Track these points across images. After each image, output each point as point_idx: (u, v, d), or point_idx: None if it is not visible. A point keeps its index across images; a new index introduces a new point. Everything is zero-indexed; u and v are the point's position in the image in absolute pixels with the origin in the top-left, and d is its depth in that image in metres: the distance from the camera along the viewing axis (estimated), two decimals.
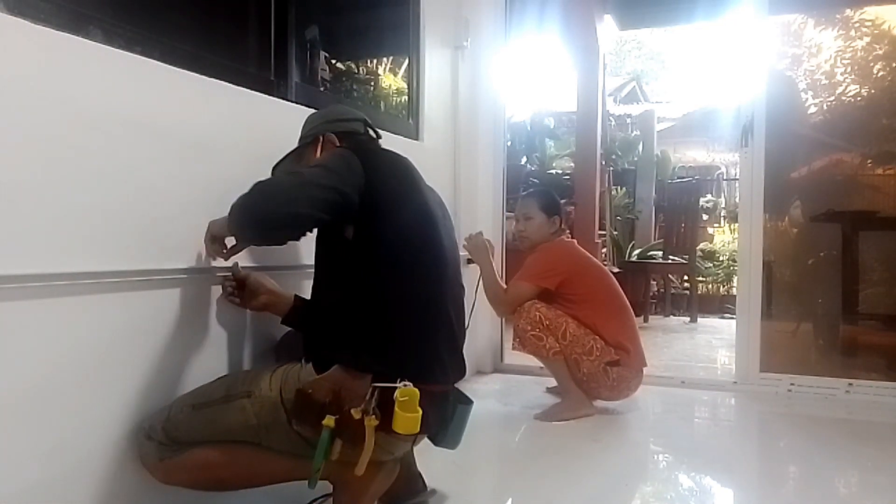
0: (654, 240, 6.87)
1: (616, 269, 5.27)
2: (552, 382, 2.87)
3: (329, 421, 1.29)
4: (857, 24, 4.14)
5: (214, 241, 1.51)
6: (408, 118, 2.96)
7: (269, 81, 1.98)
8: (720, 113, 9.22)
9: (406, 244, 1.42)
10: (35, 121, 1.22)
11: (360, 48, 3.11)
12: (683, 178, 8.01)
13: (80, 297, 1.30)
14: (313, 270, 1.50)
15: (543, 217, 2.77)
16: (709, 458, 2.32)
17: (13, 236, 1.18)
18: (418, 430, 1.30)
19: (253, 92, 1.82)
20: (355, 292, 1.39)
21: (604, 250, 6.29)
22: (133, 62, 1.43)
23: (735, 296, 3.46)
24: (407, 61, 3.04)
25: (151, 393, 1.47)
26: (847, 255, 3.73)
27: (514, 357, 3.03)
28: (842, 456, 2.30)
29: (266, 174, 1.73)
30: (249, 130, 1.78)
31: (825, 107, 4.21)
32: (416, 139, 2.92)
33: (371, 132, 1.70)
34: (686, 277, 6.37)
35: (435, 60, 3.06)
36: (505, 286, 2.74)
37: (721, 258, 7.42)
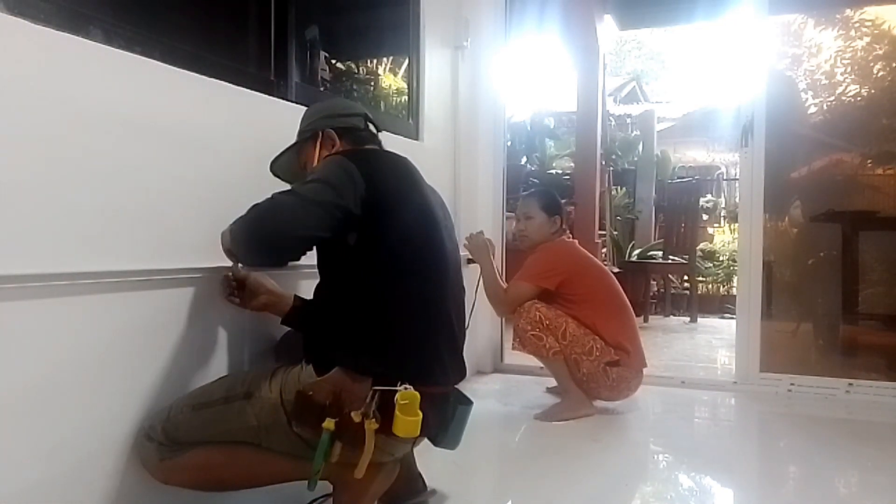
0: (654, 240, 6.87)
1: (616, 269, 5.27)
2: (552, 382, 2.87)
3: (329, 424, 1.28)
4: (857, 24, 4.14)
5: (229, 255, 1.50)
6: (408, 118, 2.96)
7: (269, 81, 1.98)
8: (720, 113, 9.23)
9: (407, 246, 1.42)
10: (35, 121, 1.22)
11: (360, 48, 3.11)
12: (683, 178, 8.00)
13: (80, 297, 1.30)
14: (314, 271, 1.50)
15: (544, 217, 2.77)
16: (709, 458, 2.32)
17: (13, 236, 1.18)
18: (419, 433, 1.30)
19: (253, 92, 1.82)
20: (356, 294, 1.38)
21: (604, 250, 6.29)
22: (133, 62, 1.43)
23: (735, 296, 3.46)
24: (407, 61, 3.04)
25: (151, 393, 1.47)
26: (847, 255, 3.73)
27: (514, 357, 3.03)
28: (842, 456, 2.30)
29: (266, 174, 1.74)
30: (249, 130, 1.77)
31: (825, 107, 4.21)
32: (416, 139, 2.92)
33: (371, 127, 1.69)
34: (686, 277, 6.37)
35: (435, 60, 3.06)
36: (505, 286, 2.74)
37: (721, 258, 7.42)
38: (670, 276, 6.20)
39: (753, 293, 3.13)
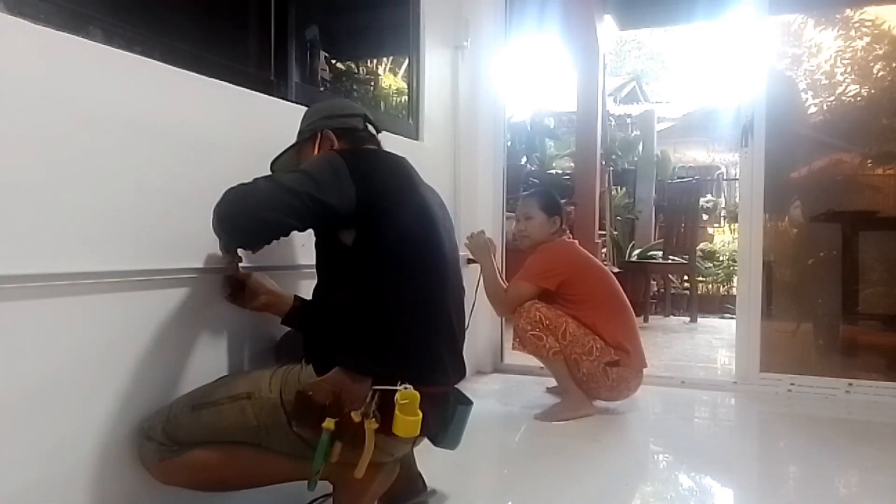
0: (654, 240, 6.87)
1: (616, 269, 5.27)
2: (552, 382, 2.87)
3: (329, 423, 1.28)
4: (857, 24, 4.15)
5: (226, 250, 1.51)
6: (408, 118, 2.96)
7: (269, 81, 1.98)
8: (720, 113, 9.24)
9: (406, 246, 1.42)
10: (35, 121, 1.22)
11: (360, 48, 3.11)
12: (683, 178, 8.00)
13: (80, 297, 1.30)
14: (313, 271, 1.50)
15: (544, 217, 2.77)
16: (709, 458, 2.32)
17: (13, 236, 1.18)
18: (418, 433, 1.30)
19: (253, 92, 1.82)
20: (356, 294, 1.38)
21: (604, 250, 6.29)
22: (133, 62, 1.43)
23: (735, 296, 3.46)
24: (407, 61, 3.04)
25: (151, 393, 1.47)
26: (847, 255, 3.73)
27: (514, 357, 3.03)
28: (842, 456, 2.30)
29: (266, 173, 1.74)
30: (249, 130, 1.77)
31: (825, 107, 4.21)
32: (416, 139, 2.92)
33: (371, 128, 1.69)
34: (686, 277, 6.37)
35: (435, 60, 3.06)
36: (505, 286, 2.74)
37: (721, 258, 7.42)
38: (670, 276, 6.20)
39: (753, 293, 3.13)
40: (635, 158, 7.83)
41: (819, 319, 3.97)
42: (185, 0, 1.86)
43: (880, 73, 4.13)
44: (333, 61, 2.64)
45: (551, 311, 2.59)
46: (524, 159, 7.21)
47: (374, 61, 3.37)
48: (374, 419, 1.28)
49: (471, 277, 2.58)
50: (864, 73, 4.13)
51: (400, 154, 1.61)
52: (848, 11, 4.16)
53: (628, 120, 9.61)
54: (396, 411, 1.27)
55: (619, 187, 7.46)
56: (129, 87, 1.42)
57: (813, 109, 4.23)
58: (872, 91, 4.11)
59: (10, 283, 1.16)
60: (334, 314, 1.40)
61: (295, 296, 1.70)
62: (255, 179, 1.38)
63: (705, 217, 7.98)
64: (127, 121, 1.41)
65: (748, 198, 3.16)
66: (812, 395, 3.03)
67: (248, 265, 1.70)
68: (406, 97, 3.04)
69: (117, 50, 1.40)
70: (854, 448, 2.37)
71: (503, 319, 3.44)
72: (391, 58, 3.39)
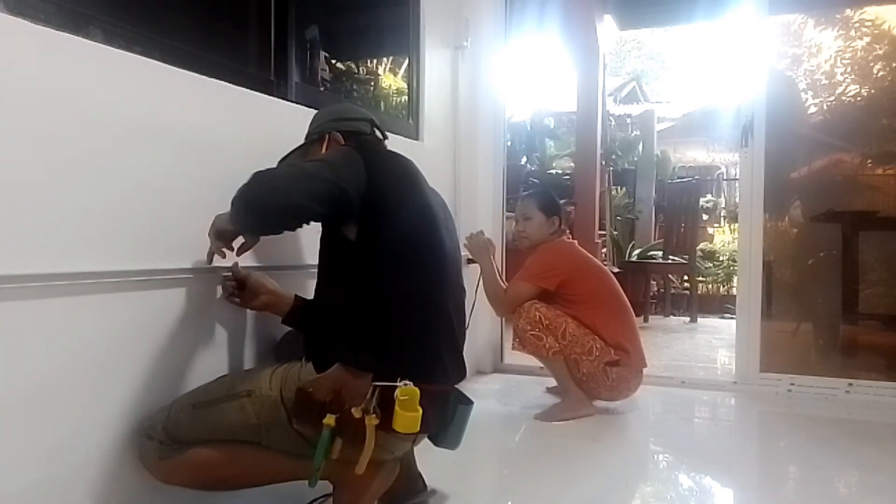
0: (654, 240, 6.87)
1: (616, 269, 5.27)
2: (552, 382, 2.87)
3: (330, 420, 1.29)
4: (857, 24, 4.15)
5: (220, 236, 1.47)
6: (408, 118, 2.96)
7: (269, 81, 1.98)
8: (720, 113, 9.23)
9: (408, 244, 1.42)
10: (35, 121, 1.22)
11: (360, 48, 3.11)
12: (683, 178, 8.00)
13: (80, 297, 1.30)
14: (315, 270, 1.50)
15: (542, 217, 2.77)
16: (709, 458, 2.32)
17: (13, 236, 1.18)
18: (418, 429, 1.30)
19: (253, 92, 1.82)
20: (357, 292, 1.38)
21: (604, 250, 6.29)
22: (133, 62, 1.43)
23: (735, 296, 3.46)
24: (407, 61, 3.04)
25: (152, 393, 1.47)
26: (847, 255, 3.73)
27: (514, 357, 3.03)
28: (842, 456, 2.30)
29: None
30: (249, 130, 1.78)
31: (825, 107, 4.21)
32: (416, 139, 2.92)
33: (377, 133, 1.71)
34: (686, 277, 6.37)
35: (435, 60, 3.06)
36: (505, 286, 2.74)
37: (721, 258, 7.41)
38: (670, 276, 6.20)
39: (753, 293, 3.13)
40: (635, 158, 7.83)
41: (819, 319, 3.97)
42: (185, 0, 1.86)
43: (880, 73, 4.13)
44: (333, 61, 2.64)
45: (551, 311, 2.59)
46: (524, 159, 7.21)
47: (374, 61, 3.37)
48: (374, 415, 1.28)
49: (470, 278, 2.57)
50: (864, 73, 4.13)
51: (405, 155, 1.62)
52: (848, 11, 4.16)
53: (628, 120, 9.61)
54: (396, 407, 1.27)
55: (619, 187, 7.46)
56: (129, 87, 1.42)
57: (813, 109, 4.24)
58: (872, 91, 4.11)
59: (10, 283, 1.17)
60: (335, 311, 1.40)
61: (296, 295, 1.70)
62: (278, 167, 1.38)
63: (705, 217, 7.98)
64: (127, 121, 1.41)
65: (748, 198, 3.16)
66: (812, 395, 3.03)
67: (248, 264, 1.70)
68: (406, 97, 3.04)
69: (117, 50, 1.40)
70: (854, 448, 2.37)
71: (503, 319, 3.44)
72: (391, 58, 3.39)
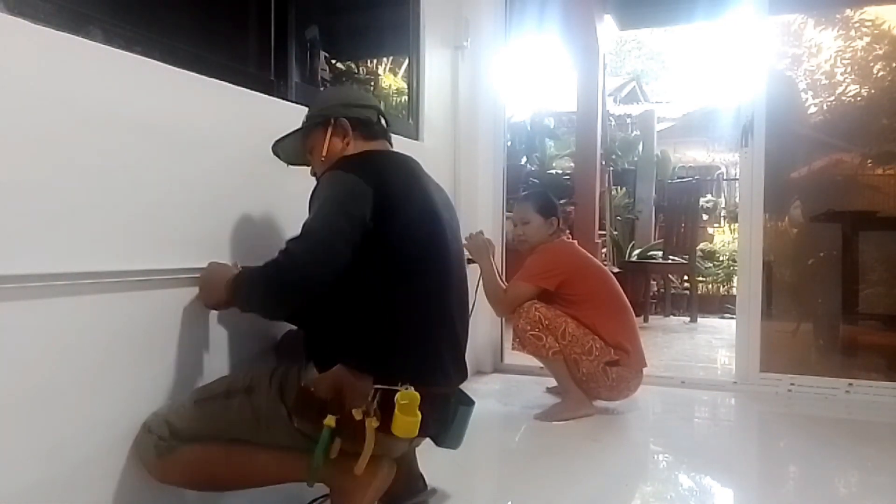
0: (654, 240, 6.87)
1: (616, 269, 5.27)
2: (552, 382, 2.87)
3: (330, 420, 1.29)
4: (857, 24, 4.15)
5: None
6: (408, 118, 2.96)
7: (269, 81, 1.98)
8: (720, 113, 9.22)
9: (411, 247, 1.42)
10: (35, 121, 1.22)
11: (360, 48, 3.11)
12: (683, 178, 8.00)
13: (80, 297, 1.30)
14: None
15: (540, 219, 2.77)
16: (709, 458, 2.32)
17: (13, 236, 1.18)
18: (416, 433, 1.30)
19: (253, 92, 1.82)
20: (360, 293, 1.38)
21: (604, 250, 6.29)
22: (133, 62, 1.43)
23: (735, 296, 3.46)
24: (407, 61, 3.04)
25: (152, 393, 1.47)
26: (847, 255, 3.73)
27: (514, 357, 3.03)
28: (842, 456, 2.30)
29: (266, 174, 1.74)
30: (249, 130, 1.77)
31: (825, 107, 4.21)
32: (416, 139, 2.92)
33: (383, 121, 1.67)
34: (686, 277, 6.36)
35: (435, 60, 3.06)
36: (505, 286, 2.74)
37: (721, 258, 7.41)
38: (670, 276, 6.20)
39: (753, 293, 3.13)
40: (635, 158, 7.83)
41: (819, 319, 3.97)
42: (185, 0, 1.86)
43: (880, 73, 4.13)
44: (333, 61, 2.64)
45: (551, 311, 2.58)
46: (524, 159, 7.21)
47: (374, 61, 3.37)
48: (374, 417, 1.28)
49: (470, 278, 2.57)
50: (864, 73, 4.13)
51: (407, 154, 1.62)
52: (848, 11, 4.16)
53: (628, 120, 9.60)
54: (396, 411, 1.27)
55: (619, 187, 7.45)
56: (129, 87, 1.42)
57: (813, 109, 4.24)
58: (872, 91, 4.11)
59: (10, 283, 1.16)
60: (338, 312, 1.40)
61: None
62: (291, 246, 1.35)
63: (705, 217, 7.97)
64: (127, 121, 1.41)
65: (748, 198, 3.16)
66: (812, 395, 3.02)
67: (250, 264, 1.70)
68: (406, 97, 3.04)
69: (117, 50, 1.40)
70: (854, 448, 2.37)
71: (503, 319, 3.44)
72: (391, 58, 3.39)
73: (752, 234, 3.15)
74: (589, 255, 2.85)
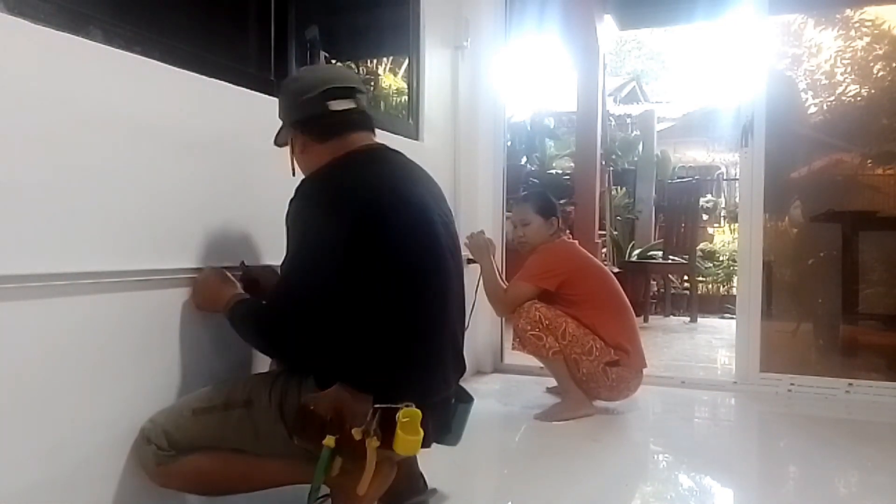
0: (654, 240, 6.87)
1: (616, 269, 5.26)
2: (552, 382, 2.87)
3: (329, 441, 1.26)
4: (857, 24, 4.15)
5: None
6: (408, 118, 2.96)
7: (269, 81, 1.97)
8: (720, 113, 9.21)
9: (405, 262, 1.38)
10: (35, 121, 1.22)
11: (360, 48, 3.11)
12: (683, 178, 8.00)
13: (80, 297, 1.30)
14: None
15: (540, 220, 2.76)
16: (709, 458, 2.32)
17: (13, 236, 1.18)
18: (418, 451, 1.29)
19: (253, 92, 1.82)
20: (357, 312, 1.35)
21: (604, 250, 6.28)
22: (133, 62, 1.43)
23: (735, 296, 3.46)
24: (407, 61, 3.04)
25: (152, 393, 1.47)
26: (847, 255, 3.73)
27: (514, 357, 3.03)
28: (842, 456, 2.30)
29: (266, 173, 1.73)
30: (249, 130, 1.77)
31: (825, 107, 4.21)
32: (416, 139, 2.92)
33: (357, 99, 1.49)
34: (686, 277, 6.36)
35: (435, 60, 3.06)
36: (505, 286, 2.74)
37: (721, 258, 7.41)
38: (670, 276, 6.20)
39: (753, 293, 3.13)
40: (635, 158, 7.83)
41: (819, 319, 3.97)
42: (185, 0, 1.86)
43: (880, 73, 4.13)
44: (333, 61, 2.63)
45: (551, 311, 2.58)
46: (524, 159, 7.21)
47: (374, 61, 3.37)
48: (375, 437, 1.25)
49: (470, 277, 2.57)
50: (864, 73, 4.13)
51: (393, 150, 1.55)
52: (848, 11, 4.16)
53: (628, 120, 9.60)
54: (398, 430, 1.25)
55: (619, 187, 7.45)
56: (129, 87, 1.42)
57: (813, 109, 4.24)
58: (872, 91, 4.11)
59: (10, 283, 1.17)
60: (336, 330, 1.36)
61: None
62: (277, 305, 1.39)
63: (705, 217, 7.97)
64: (126, 121, 1.41)
65: (748, 198, 3.16)
66: (812, 395, 3.02)
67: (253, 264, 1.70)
68: (406, 97, 3.04)
69: (117, 50, 1.40)
70: (854, 448, 2.37)
71: (503, 319, 3.44)
72: (391, 58, 3.39)
73: (752, 234, 3.14)
74: (589, 255, 2.85)
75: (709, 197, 8.64)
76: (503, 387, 3.22)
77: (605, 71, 6.48)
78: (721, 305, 6.23)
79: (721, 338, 4.73)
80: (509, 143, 5.68)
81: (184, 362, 1.56)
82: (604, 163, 6.59)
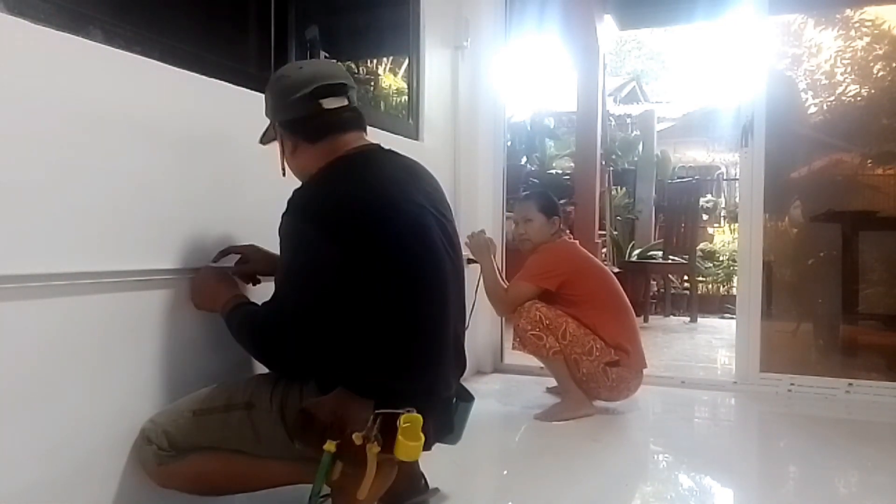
0: (654, 240, 6.87)
1: (616, 269, 5.26)
2: (552, 382, 2.87)
3: (330, 446, 1.25)
4: (857, 24, 4.14)
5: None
6: (408, 118, 2.96)
7: None
8: (720, 113, 9.21)
9: (404, 266, 1.37)
10: (35, 121, 1.22)
11: (360, 48, 3.11)
12: (683, 178, 8.00)
13: (80, 297, 1.30)
14: None
15: (543, 219, 2.77)
16: (709, 458, 2.32)
17: (13, 236, 1.18)
18: (419, 456, 1.29)
19: (253, 92, 1.82)
20: (357, 317, 1.35)
21: (604, 250, 6.28)
22: (133, 62, 1.43)
23: (735, 296, 3.46)
24: (407, 61, 3.04)
25: (151, 393, 1.47)
26: (847, 255, 3.73)
27: (514, 357, 3.03)
28: (842, 456, 2.30)
29: (265, 173, 1.73)
30: (249, 130, 1.77)
31: (825, 107, 4.21)
32: (416, 139, 2.92)
33: (349, 96, 1.47)
34: (686, 277, 6.36)
35: (435, 60, 3.06)
36: (506, 286, 2.74)
37: (721, 258, 7.41)
38: (670, 276, 6.20)
39: (753, 293, 3.13)
40: (635, 158, 7.83)
41: (819, 319, 3.97)
42: (185, 0, 1.86)
43: (880, 73, 4.13)
44: (333, 61, 2.63)
45: (551, 311, 2.58)
46: (524, 159, 7.21)
47: (374, 61, 3.37)
48: (375, 443, 1.25)
49: (471, 277, 2.57)
50: (864, 73, 4.13)
51: (389, 150, 1.54)
52: (848, 11, 4.16)
53: (628, 120, 9.60)
54: (399, 435, 1.24)
55: (619, 187, 7.45)
56: (129, 87, 1.42)
57: (813, 109, 4.24)
58: (872, 91, 4.11)
59: (10, 283, 1.17)
60: (338, 335, 1.36)
61: None
62: (272, 317, 1.38)
63: (705, 217, 7.97)
64: (126, 120, 1.41)
65: (748, 198, 3.16)
66: (812, 395, 3.02)
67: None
68: (406, 97, 3.04)
69: (117, 50, 1.40)
70: (854, 448, 2.37)
71: (503, 319, 3.44)
72: (391, 58, 3.39)
73: (752, 234, 3.15)
74: (590, 255, 2.85)
75: (709, 197, 8.64)
76: (503, 387, 3.22)
77: (605, 71, 6.48)
78: (721, 305, 6.23)
79: (721, 338, 4.73)
80: (509, 143, 5.68)
81: (184, 362, 1.56)
82: (604, 163, 6.59)
